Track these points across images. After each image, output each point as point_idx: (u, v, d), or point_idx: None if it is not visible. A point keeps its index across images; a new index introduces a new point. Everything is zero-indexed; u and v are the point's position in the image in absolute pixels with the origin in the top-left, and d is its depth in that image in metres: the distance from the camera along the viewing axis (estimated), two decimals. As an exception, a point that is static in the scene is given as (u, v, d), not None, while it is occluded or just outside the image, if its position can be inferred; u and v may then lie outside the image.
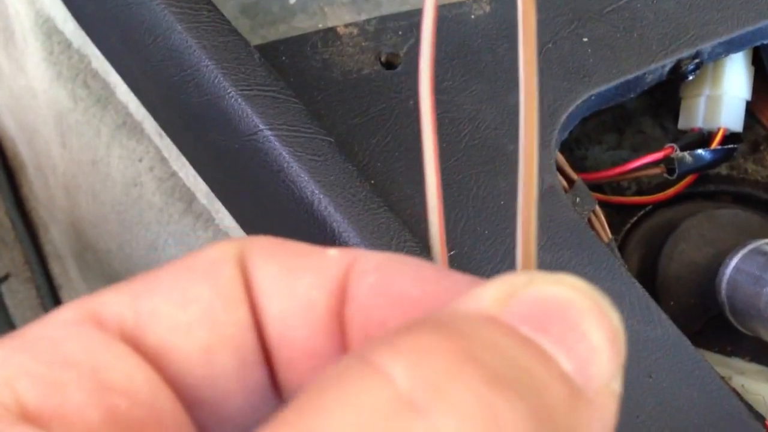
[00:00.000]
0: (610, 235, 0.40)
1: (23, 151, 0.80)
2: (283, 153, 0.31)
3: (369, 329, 0.17)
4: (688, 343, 0.34)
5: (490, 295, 0.15)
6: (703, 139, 0.49)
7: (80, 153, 0.59)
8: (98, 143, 0.55)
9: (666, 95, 0.51)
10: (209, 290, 0.17)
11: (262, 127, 0.32)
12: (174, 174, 0.48)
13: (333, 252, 0.18)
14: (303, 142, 0.32)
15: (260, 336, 0.17)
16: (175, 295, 0.16)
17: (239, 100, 0.33)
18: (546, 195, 0.38)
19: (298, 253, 0.18)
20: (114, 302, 0.16)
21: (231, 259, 0.17)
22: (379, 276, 0.17)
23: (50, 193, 0.77)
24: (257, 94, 0.33)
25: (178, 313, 0.16)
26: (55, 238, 0.83)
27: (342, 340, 0.17)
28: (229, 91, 0.33)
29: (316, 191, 0.31)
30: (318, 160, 0.31)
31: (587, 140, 0.52)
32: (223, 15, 0.35)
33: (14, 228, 0.88)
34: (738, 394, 0.37)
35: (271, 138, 0.32)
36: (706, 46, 0.42)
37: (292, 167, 0.31)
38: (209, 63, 0.33)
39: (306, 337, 0.17)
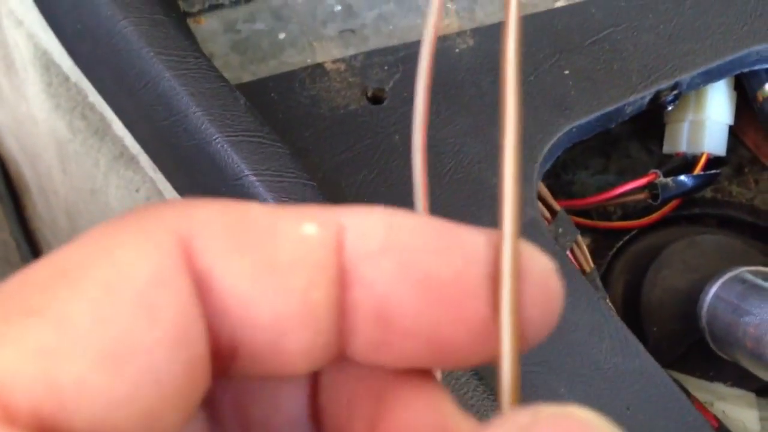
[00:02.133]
0: (592, 265, 0.41)
1: (27, 172, 0.82)
2: (268, 199, 0.32)
3: (383, 315, 0.15)
4: (665, 374, 0.35)
5: None
6: (688, 163, 0.50)
7: (80, 181, 0.61)
8: (96, 173, 0.57)
9: (651, 120, 0.52)
10: (153, 333, 0.13)
11: (247, 172, 0.33)
12: (169, 205, 0.49)
13: (310, 228, 0.15)
14: (287, 187, 0.33)
15: (225, 358, 0.15)
16: (103, 352, 0.13)
17: (225, 145, 0.34)
18: (528, 228, 0.39)
19: (264, 236, 0.15)
20: (22, 377, 0.12)
21: (177, 274, 0.14)
22: (397, 259, 0.15)
23: (53, 216, 0.78)
24: (243, 139, 0.34)
25: (112, 384, 0.13)
26: (59, 258, 0.84)
27: (338, 327, 0.15)
28: (215, 136, 0.34)
29: (300, 235, 0.32)
30: (302, 205, 0.32)
31: (574, 165, 0.52)
32: (209, 61, 0.36)
33: (19, 248, 0.89)
34: (719, 421, 0.38)
35: (256, 183, 0.33)
36: (685, 77, 0.43)
37: (276, 212, 0.32)
38: (197, 109, 0.34)
39: (300, 341, 0.15)
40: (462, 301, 0.15)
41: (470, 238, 0.16)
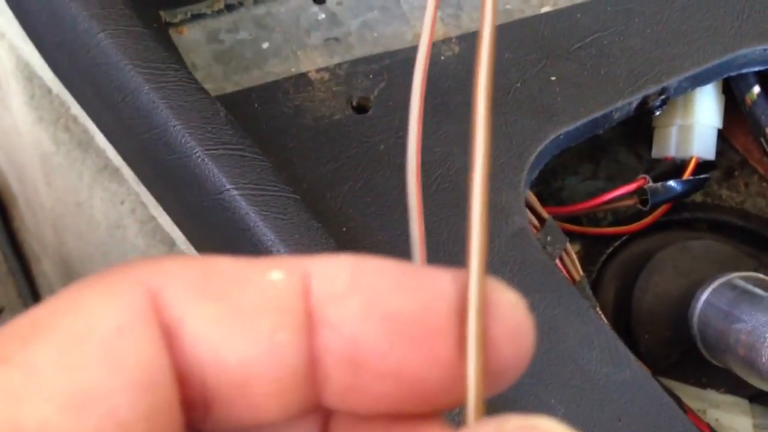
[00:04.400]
0: (581, 273, 0.41)
1: (14, 184, 0.81)
2: (250, 212, 0.32)
3: (353, 356, 0.15)
4: (657, 385, 0.35)
5: None
6: (677, 168, 0.49)
7: (65, 194, 0.60)
8: (81, 185, 0.56)
9: (640, 124, 0.51)
10: (116, 379, 0.14)
11: (228, 186, 0.33)
12: (154, 218, 0.49)
13: (277, 275, 0.16)
14: (268, 201, 0.32)
15: (199, 405, 0.15)
16: (67, 397, 0.14)
17: (206, 159, 0.33)
18: (516, 237, 0.39)
19: (232, 284, 0.15)
20: None
21: (143, 324, 0.15)
22: (363, 298, 0.15)
23: (40, 228, 0.77)
24: (223, 153, 0.33)
25: (74, 427, 0.13)
26: (47, 270, 0.84)
27: (309, 371, 0.16)
28: (196, 150, 0.33)
29: (282, 250, 0.31)
30: (284, 218, 0.32)
31: (563, 171, 0.52)
32: (190, 73, 0.36)
33: (6, 261, 0.89)
34: (712, 430, 0.37)
35: (238, 197, 0.32)
36: (672, 82, 0.43)
37: (258, 226, 0.32)
38: (176, 123, 0.34)
39: (269, 383, 0.15)
40: (429, 338, 0.15)
41: (436, 276, 0.16)
